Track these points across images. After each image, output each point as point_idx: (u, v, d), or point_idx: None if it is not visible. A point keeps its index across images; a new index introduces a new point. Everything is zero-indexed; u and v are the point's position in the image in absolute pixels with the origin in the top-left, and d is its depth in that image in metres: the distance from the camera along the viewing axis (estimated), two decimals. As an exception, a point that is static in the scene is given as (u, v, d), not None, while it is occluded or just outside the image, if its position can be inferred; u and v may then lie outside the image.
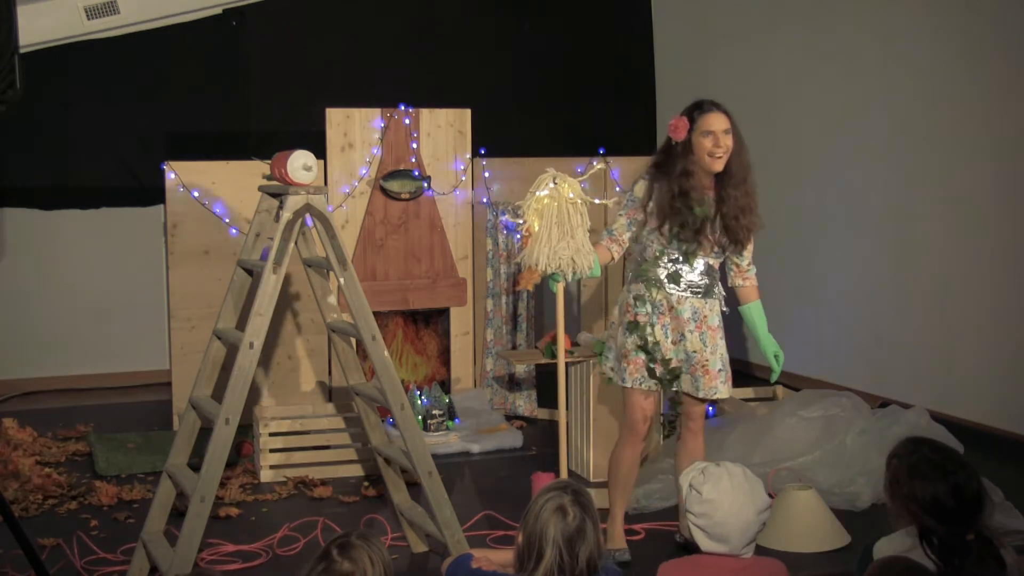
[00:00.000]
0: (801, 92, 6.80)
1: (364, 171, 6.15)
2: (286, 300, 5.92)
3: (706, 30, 7.71)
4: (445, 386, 6.25)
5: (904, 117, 6.03)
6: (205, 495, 3.49)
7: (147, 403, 6.59)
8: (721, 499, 2.83)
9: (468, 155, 6.34)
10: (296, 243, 3.74)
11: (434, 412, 5.66)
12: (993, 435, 5.46)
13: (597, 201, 4.00)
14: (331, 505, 4.72)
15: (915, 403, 5.29)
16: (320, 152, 5.88)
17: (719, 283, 4.00)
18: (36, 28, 6.39)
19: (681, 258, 3.90)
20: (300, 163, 3.67)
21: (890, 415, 5.03)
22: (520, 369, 6.15)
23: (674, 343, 3.91)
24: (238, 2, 7.10)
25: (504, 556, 3.21)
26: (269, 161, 3.83)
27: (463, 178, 6.34)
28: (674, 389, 3.99)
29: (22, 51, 3.38)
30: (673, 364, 3.92)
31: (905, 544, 2.76)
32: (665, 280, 3.90)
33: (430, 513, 3.86)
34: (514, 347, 6.30)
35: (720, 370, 3.94)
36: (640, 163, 4.11)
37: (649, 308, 3.91)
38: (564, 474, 4.08)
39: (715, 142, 3.80)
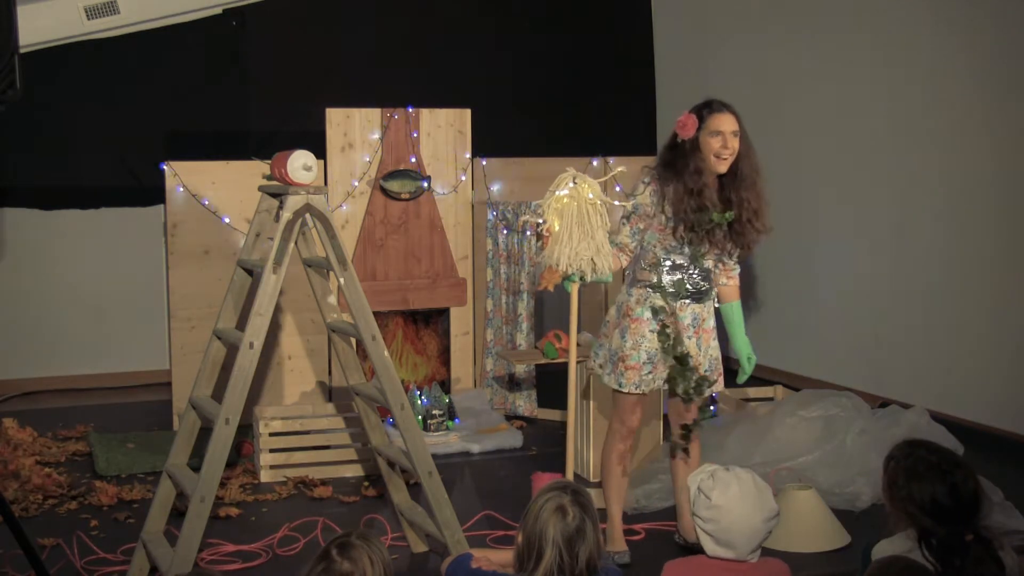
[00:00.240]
0: (801, 92, 6.80)
1: (365, 158, 6.14)
2: (286, 300, 5.92)
3: (706, 30, 7.71)
4: (445, 386, 6.25)
5: (904, 117, 6.03)
6: (205, 495, 3.49)
7: (147, 403, 6.59)
8: (730, 505, 2.82)
9: (468, 155, 6.34)
10: (296, 243, 3.74)
11: (434, 412, 5.66)
12: (993, 435, 5.46)
13: (617, 203, 3.99)
14: (331, 505, 4.72)
15: (915, 403, 5.29)
16: (320, 152, 5.88)
17: (715, 283, 4.01)
18: (36, 28, 6.39)
19: (687, 263, 3.89)
20: (300, 163, 3.67)
21: (890, 415, 5.03)
22: (520, 369, 6.15)
23: (687, 353, 3.93)
24: (238, 2, 7.10)
25: (504, 556, 3.22)
26: (269, 161, 3.83)
27: (463, 178, 6.34)
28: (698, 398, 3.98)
29: (22, 51, 3.38)
30: (705, 369, 3.93)
31: (905, 546, 2.76)
32: (671, 289, 3.90)
33: (430, 513, 3.86)
34: (514, 347, 6.30)
35: (706, 370, 3.95)
36: (640, 163, 4.11)
37: (650, 314, 3.91)
38: (570, 474, 4.08)
39: (723, 143, 3.80)
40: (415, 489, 4.20)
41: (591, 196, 3.72)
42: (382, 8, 7.49)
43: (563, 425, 5.54)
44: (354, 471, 5.08)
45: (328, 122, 6.10)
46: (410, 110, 6.20)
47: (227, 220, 6.00)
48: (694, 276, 3.92)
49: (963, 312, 5.71)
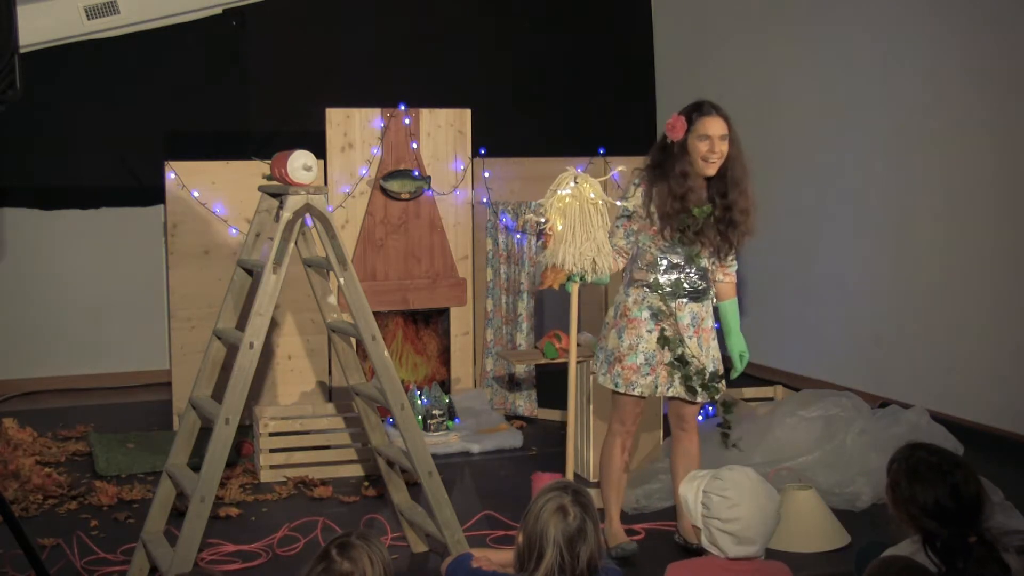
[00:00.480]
0: (801, 92, 6.80)
1: (364, 171, 6.15)
2: (286, 300, 5.92)
3: (706, 30, 7.71)
4: (445, 386, 6.25)
5: (904, 117, 6.03)
6: (205, 495, 3.49)
7: (147, 403, 6.59)
8: (748, 502, 2.82)
9: (468, 155, 6.34)
10: (296, 243, 3.74)
11: (434, 412, 5.66)
12: (993, 435, 5.46)
13: (619, 203, 3.99)
14: (331, 505, 4.72)
15: (915, 403, 5.29)
16: (320, 152, 5.88)
17: (712, 283, 4.01)
18: (36, 28, 6.39)
19: (683, 262, 3.90)
20: (300, 163, 3.67)
21: (890, 415, 5.03)
22: (520, 369, 6.15)
23: (690, 354, 3.93)
24: (238, 2, 7.10)
25: (504, 556, 3.21)
26: (269, 161, 3.83)
27: (463, 178, 6.33)
28: (723, 399, 3.98)
29: (22, 51, 3.38)
30: (710, 369, 3.92)
31: (910, 551, 2.76)
32: (669, 289, 3.90)
33: (430, 513, 3.86)
34: (514, 347, 6.30)
35: (711, 370, 3.95)
36: (640, 163, 4.11)
37: (648, 314, 3.91)
38: (570, 474, 4.08)
39: (711, 147, 3.79)
40: (415, 489, 4.20)
41: (592, 196, 3.73)
42: (382, 8, 7.49)
43: (563, 425, 5.54)
44: (354, 471, 5.08)
45: (328, 122, 6.10)
46: (410, 110, 6.20)
47: (227, 220, 6.00)
48: (691, 275, 3.92)
49: (963, 312, 5.71)
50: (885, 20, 6.13)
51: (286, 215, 3.64)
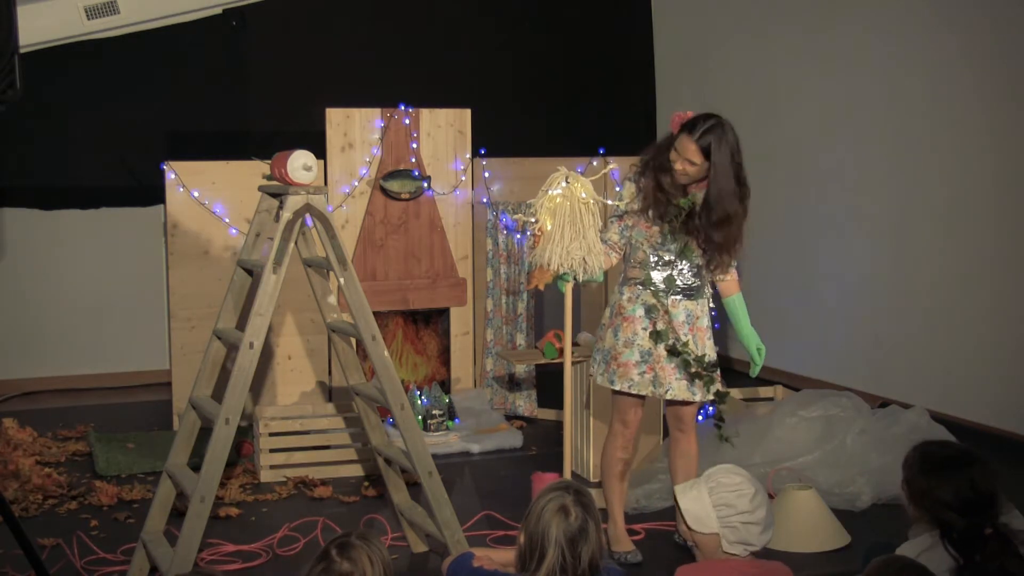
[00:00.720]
0: (801, 92, 6.80)
1: (364, 171, 6.15)
2: (286, 300, 5.92)
3: (706, 30, 7.71)
4: (445, 386, 6.25)
5: (904, 117, 6.04)
6: (205, 495, 3.49)
7: (147, 403, 6.59)
8: (759, 489, 2.85)
9: (468, 155, 6.34)
10: (296, 243, 3.74)
11: (434, 412, 5.66)
12: (993, 435, 5.46)
13: (609, 202, 3.99)
14: (331, 505, 4.72)
15: (915, 403, 5.28)
16: (320, 152, 5.88)
17: (707, 281, 4.01)
18: (36, 28, 6.39)
19: (675, 258, 3.90)
20: (300, 163, 3.67)
21: (890, 415, 5.02)
22: (520, 369, 6.15)
23: (684, 345, 3.92)
24: (238, 2, 7.10)
25: (505, 556, 3.22)
26: (269, 161, 3.83)
27: (463, 178, 6.34)
28: (717, 388, 3.97)
29: (22, 51, 3.38)
30: (708, 358, 3.91)
31: (925, 544, 2.79)
32: (662, 286, 3.90)
33: (430, 513, 3.86)
34: (514, 347, 6.30)
35: (709, 360, 3.95)
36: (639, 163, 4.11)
37: (643, 312, 3.91)
38: (568, 474, 4.08)
39: (679, 162, 3.80)
40: (415, 489, 4.20)
41: (583, 195, 3.73)
42: (382, 8, 7.49)
43: (563, 425, 5.54)
44: (354, 471, 5.08)
45: (328, 122, 6.10)
46: (410, 110, 6.20)
47: (227, 220, 6.00)
48: (684, 272, 3.91)
49: (963, 312, 5.71)
50: (885, 20, 6.13)
51: (286, 215, 3.64)
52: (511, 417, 6.13)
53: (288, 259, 3.64)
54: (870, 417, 4.94)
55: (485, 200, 6.34)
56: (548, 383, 6.08)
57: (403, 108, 6.20)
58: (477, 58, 7.68)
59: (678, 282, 3.91)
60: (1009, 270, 5.47)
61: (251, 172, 5.85)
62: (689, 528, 2.87)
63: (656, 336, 3.89)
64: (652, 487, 4.62)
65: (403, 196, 6.20)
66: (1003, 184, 5.49)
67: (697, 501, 2.86)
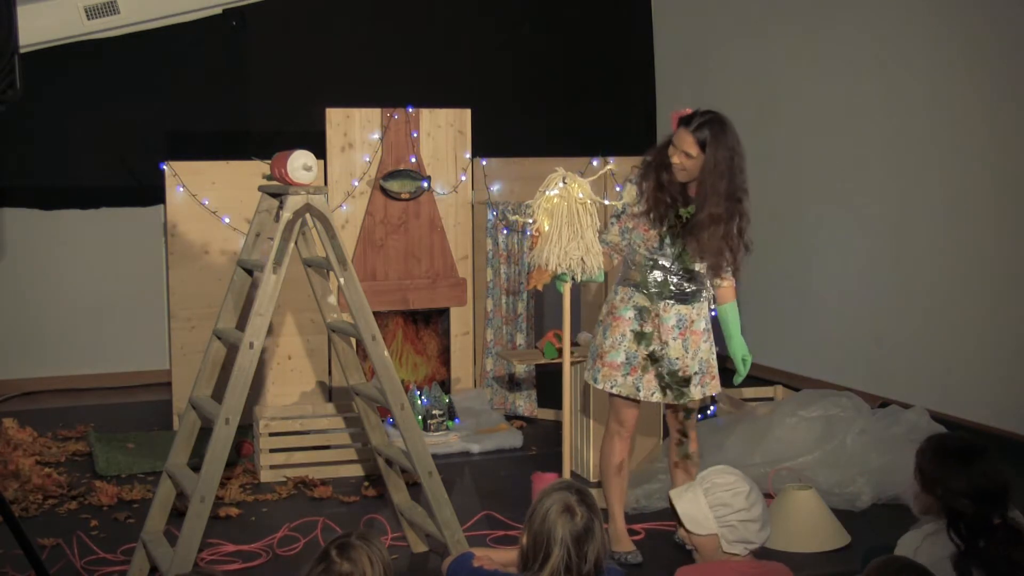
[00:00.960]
0: (801, 92, 6.80)
1: (365, 158, 6.14)
2: (286, 300, 5.91)
3: (706, 30, 7.71)
4: (445, 386, 6.25)
5: (904, 117, 6.03)
6: (205, 495, 3.49)
7: (147, 403, 6.58)
8: (754, 487, 2.86)
9: (468, 155, 6.34)
10: (296, 243, 3.74)
11: (434, 412, 5.66)
12: (993, 435, 5.46)
13: (607, 202, 3.99)
14: (331, 505, 4.72)
15: (915, 403, 5.28)
16: (320, 152, 5.88)
17: (707, 285, 4.00)
18: (36, 28, 6.39)
19: (670, 263, 3.89)
20: (300, 163, 3.67)
21: (890, 415, 5.03)
22: (520, 369, 6.15)
23: (660, 351, 3.91)
24: (238, 2, 7.10)
25: (505, 556, 3.22)
26: (269, 161, 3.83)
27: (463, 178, 6.34)
28: (683, 400, 3.96)
29: (22, 51, 3.38)
30: (682, 373, 3.91)
31: (930, 529, 2.82)
32: (654, 288, 3.89)
33: (430, 513, 3.86)
34: (514, 347, 6.30)
35: (696, 373, 3.93)
36: (640, 163, 4.11)
37: (641, 318, 3.91)
38: (567, 474, 4.08)
39: (676, 156, 3.79)
40: (415, 489, 4.20)
41: (581, 196, 3.73)
42: (382, 8, 7.49)
43: (562, 425, 5.54)
44: (354, 471, 5.08)
45: (328, 122, 6.10)
46: (410, 110, 6.20)
47: (227, 220, 6.00)
48: (678, 277, 3.91)
49: (963, 312, 5.71)
50: (885, 20, 6.13)
51: (286, 215, 3.64)
52: (511, 417, 6.13)
53: (288, 259, 3.64)
54: (870, 417, 4.94)
55: (485, 200, 6.34)
56: (548, 383, 6.08)
57: (408, 110, 6.20)
58: (477, 58, 7.68)
59: (671, 287, 3.90)
60: (1009, 270, 5.47)
61: (251, 172, 5.85)
62: (687, 531, 2.87)
63: (639, 337, 3.89)
64: (652, 487, 4.62)
65: (403, 196, 6.20)
66: (1003, 184, 5.49)
67: (693, 503, 2.85)
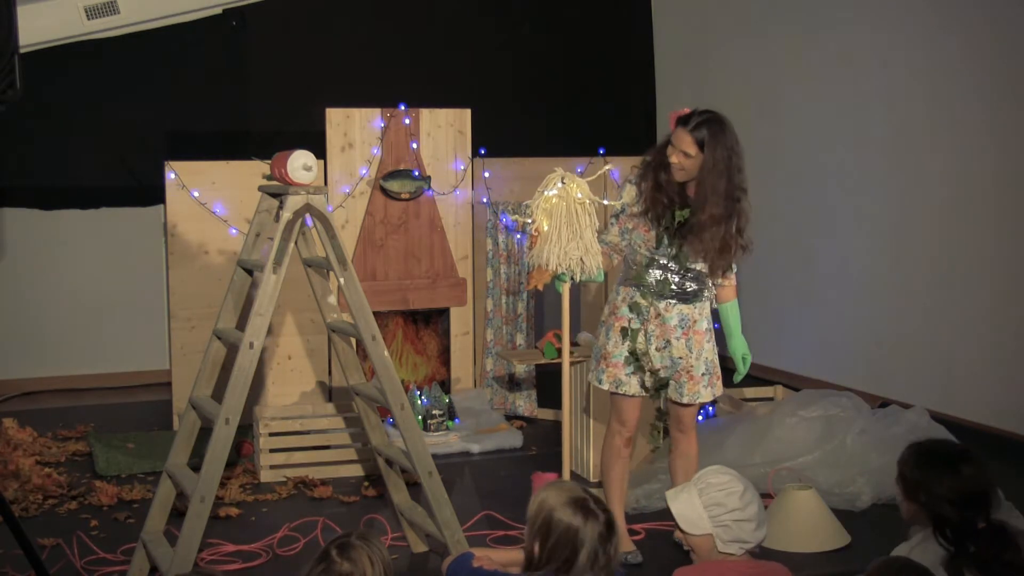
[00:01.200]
0: (801, 92, 6.80)
1: (364, 171, 6.15)
2: (286, 300, 5.91)
3: (706, 30, 7.71)
4: (445, 386, 6.25)
5: (904, 117, 6.04)
6: (205, 495, 3.49)
7: (147, 403, 6.59)
8: (749, 486, 2.86)
9: (468, 155, 6.34)
10: (296, 243, 3.74)
11: (434, 412, 5.66)
12: (993, 435, 5.46)
13: (606, 202, 3.99)
14: (331, 505, 4.72)
15: (915, 403, 5.28)
16: (320, 152, 5.88)
17: (709, 285, 3.99)
18: (36, 28, 6.39)
19: (669, 262, 3.89)
20: (300, 163, 3.67)
21: (890, 415, 5.02)
22: (520, 369, 6.15)
23: (658, 350, 3.91)
24: (238, 2, 7.10)
25: (505, 556, 3.22)
26: (269, 161, 3.83)
27: (463, 178, 6.34)
28: (659, 399, 3.98)
29: (22, 51, 3.38)
30: (661, 374, 3.91)
31: (917, 540, 2.81)
32: (654, 287, 3.89)
33: (430, 513, 3.86)
34: (514, 347, 6.30)
35: (703, 374, 3.93)
36: (639, 163, 4.11)
37: (633, 314, 3.91)
38: (567, 474, 4.08)
39: (675, 155, 3.78)
40: (415, 489, 4.20)
41: (579, 196, 3.73)
42: (382, 8, 7.49)
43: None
44: (354, 471, 5.08)
45: (328, 122, 6.10)
46: (409, 111, 6.20)
47: (227, 220, 6.00)
48: (678, 276, 3.90)
49: (963, 312, 5.71)
50: (885, 20, 6.13)
51: (286, 215, 3.64)
52: (511, 417, 6.13)
53: (288, 259, 3.64)
54: (870, 417, 4.94)
55: (485, 200, 6.35)
56: (548, 383, 6.08)
57: (403, 108, 6.20)
58: (477, 58, 7.68)
59: (672, 286, 3.90)
60: (1009, 270, 5.47)
61: (251, 172, 5.85)
62: (683, 532, 2.88)
63: (625, 333, 3.89)
64: (652, 487, 4.62)
65: (403, 196, 6.20)
66: (1003, 184, 5.49)
67: (688, 504, 2.86)
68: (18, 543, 3.35)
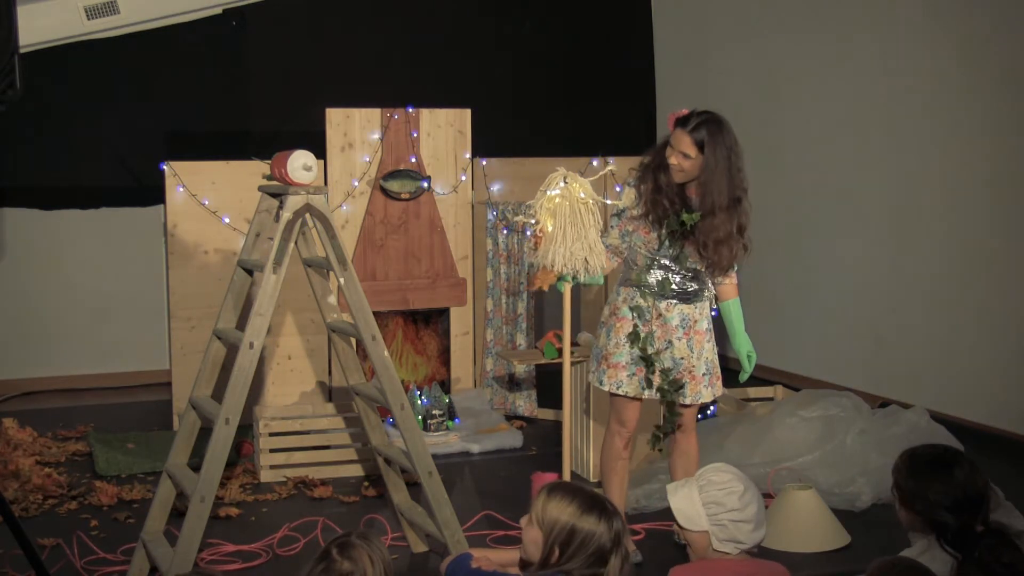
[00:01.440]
0: (801, 92, 6.80)
1: (365, 158, 6.14)
2: (286, 300, 5.91)
3: (706, 30, 7.71)
4: (445, 386, 6.25)
5: (904, 117, 6.04)
6: (205, 495, 3.49)
7: (147, 403, 6.58)
8: (749, 487, 2.85)
9: (468, 155, 6.34)
10: (296, 243, 3.74)
11: (434, 412, 5.65)
12: (993, 435, 5.46)
13: (608, 201, 3.99)
14: (331, 505, 4.72)
15: (915, 403, 5.29)
16: (320, 152, 5.88)
17: (709, 285, 3.99)
18: (36, 28, 6.39)
19: (671, 263, 3.89)
20: (300, 163, 3.67)
21: (890, 415, 5.03)
22: (520, 369, 6.15)
23: (659, 352, 3.91)
24: (238, 2, 7.10)
25: (504, 556, 3.22)
26: (269, 161, 3.83)
27: (463, 178, 6.34)
28: (687, 401, 3.95)
29: (22, 51, 3.38)
30: (674, 375, 3.91)
31: (921, 548, 2.79)
32: (655, 288, 3.89)
33: (430, 513, 3.86)
34: (514, 347, 6.30)
35: (704, 374, 3.93)
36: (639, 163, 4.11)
37: (636, 316, 3.90)
38: (567, 474, 4.08)
39: (674, 157, 3.78)
40: (415, 489, 4.20)
41: (582, 195, 3.72)
42: (382, 8, 7.48)
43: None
44: (354, 471, 5.08)
45: (328, 122, 6.10)
46: (410, 110, 6.21)
47: (227, 220, 6.00)
48: (680, 277, 3.90)
49: (963, 312, 5.71)
50: (885, 20, 6.13)
51: (286, 215, 3.64)
52: (511, 417, 6.13)
53: (288, 259, 3.64)
54: (870, 417, 4.94)
55: (485, 200, 6.35)
56: (548, 383, 6.08)
57: (409, 110, 6.20)
58: (477, 58, 7.68)
59: (673, 286, 3.90)
60: (1009, 270, 5.47)
61: (251, 172, 5.85)
62: (680, 527, 2.89)
63: (634, 338, 3.89)
64: (652, 487, 4.62)
65: (403, 196, 6.20)
66: (1003, 184, 5.49)
67: (687, 499, 2.87)
68: (18, 543, 3.35)
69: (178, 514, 3.84)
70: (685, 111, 3.81)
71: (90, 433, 5.70)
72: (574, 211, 3.71)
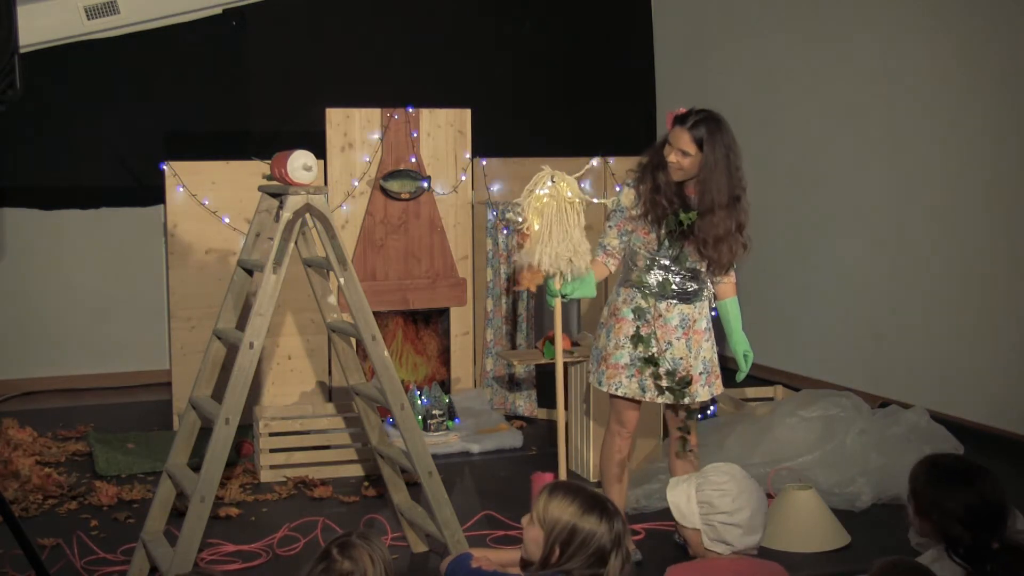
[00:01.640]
0: (801, 92, 6.80)
1: (365, 158, 6.14)
2: (286, 300, 5.91)
3: (706, 30, 7.71)
4: (445, 386, 6.25)
5: (904, 117, 6.04)
6: (205, 495, 3.49)
7: (147, 403, 6.58)
8: (746, 491, 2.84)
9: (468, 155, 6.34)
10: (296, 243, 3.74)
11: (434, 412, 5.66)
12: (993, 435, 5.46)
13: (596, 200, 3.99)
14: (331, 505, 4.72)
15: (915, 403, 5.29)
16: (320, 152, 5.88)
17: (708, 285, 3.99)
18: (36, 28, 6.39)
19: (671, 263, 3.89)
20: (300, 163, 3.67)
21: (890, 415, 5.03)
22: (520, 369, 6.15)
23: (659, 353, 3.91)
24: (238, 2, 7.10)
25: (504, 556, 3.22)
26: (269, 161, 3.83)
27: (463, 178, 6.34)
28: (685, 401, 3.95)
29: (22, 51, 3.38)
30: (680, 374, 3.90)
31: (932, 557, 2.77)
32: (655, 288, 3.89)
33: (430, 513, 3.86)
34: (514, 347, 6.30)
35: (702, 373, 3.93)
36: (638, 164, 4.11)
37: (638, 318, 3.90)
38: (563, 474, 4.08)
39: (672, 155, 3.78)
40: (415, 489, 4.20)
41: (569, 195, 3.72)
42: (382, 8, 7.49)
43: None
44: (354, 471, 5.08)
45: (328, 122, 6.10)
46: (410, 110, 6.21)
47: (227, 220, 6.00)
48: (679, 277, 3.90)
49: (963, 312, 5.71)
50: (885, 21, 6.13)
51: (286, 215, 3.64)
52: (511, 417, 6.13)
53: (288, 259, 3.64)
54: (870, 417, 4.95)
55: (485, 200, 6.35)
56: (548, 383, 6.05)
57: (409, 110, 6.20)
58: (477, 58, 7.68)
59: (673, 286, 3.90)
60: (1009, 270, 5.47)
61: (251, 172, 5.85)
62: (675, 521, 2.90)
63: (637, 340, 3.89)
64: (652, 487, 4.62)
65: (403, 196, 6.21)
66: (1003, 184, 5.49)
67: (684, 496, 2.88)
68: (18, 543, 3.35)
69: (178, 514, 3.84)
70: (683, 109, 3.81)
71: (90, 433, 5.70)
72: (561, 210, 3.71)
